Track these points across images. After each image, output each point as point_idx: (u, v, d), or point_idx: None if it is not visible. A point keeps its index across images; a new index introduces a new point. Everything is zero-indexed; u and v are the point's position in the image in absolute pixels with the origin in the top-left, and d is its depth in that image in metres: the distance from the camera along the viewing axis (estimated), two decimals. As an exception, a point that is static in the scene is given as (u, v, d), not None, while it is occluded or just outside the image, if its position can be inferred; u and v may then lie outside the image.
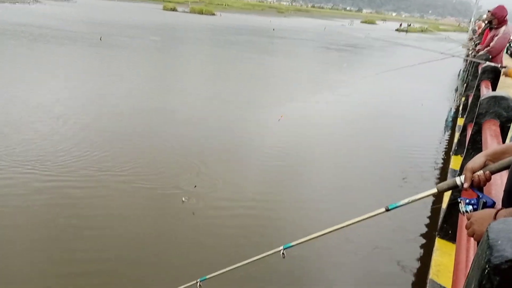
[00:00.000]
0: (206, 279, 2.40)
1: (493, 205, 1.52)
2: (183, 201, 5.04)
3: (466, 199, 1.58)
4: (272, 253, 2.11)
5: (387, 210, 1.78)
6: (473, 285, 1.11)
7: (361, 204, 5.36)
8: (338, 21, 76.06)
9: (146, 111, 9.04)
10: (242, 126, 8.64)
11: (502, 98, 2.99)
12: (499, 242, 1.05)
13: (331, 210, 5.31)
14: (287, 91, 12.37)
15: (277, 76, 15.60)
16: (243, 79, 14.26)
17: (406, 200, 1.78)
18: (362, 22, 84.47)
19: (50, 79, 11.54)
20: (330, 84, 14.25)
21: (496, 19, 6.70)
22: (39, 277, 3.68)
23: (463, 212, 1.56)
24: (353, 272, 4.13)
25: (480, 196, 1.55)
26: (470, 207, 1.54)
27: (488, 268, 1.02)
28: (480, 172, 1.57)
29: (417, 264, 4.25)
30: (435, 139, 8.93)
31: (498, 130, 2.87)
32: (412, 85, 15.61)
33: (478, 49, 8.09)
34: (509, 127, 3.12)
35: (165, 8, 59.45)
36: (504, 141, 2.87)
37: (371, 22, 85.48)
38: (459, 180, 1.61)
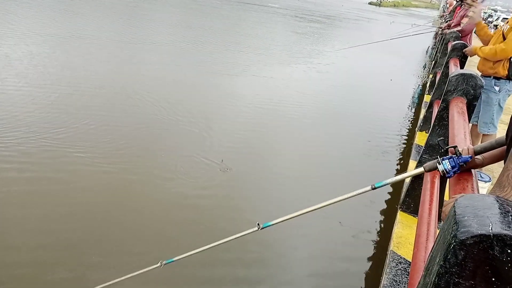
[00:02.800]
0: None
1: (470, 158, 1.63)
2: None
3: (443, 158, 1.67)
4: (249, 233, 2.13)
5: (373, 188, 1.91)
6: (437, 259, 1.11)
7: (324, 180, 5.42)
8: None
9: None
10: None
11: (471, 76, 3.03)
12: (465, 217, 1.05)
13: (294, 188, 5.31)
14: (255, 66, 12.13)
15: (245, 46, 15.32)
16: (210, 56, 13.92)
17: (390, 180, 1.94)
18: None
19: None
20: (302, 57, 14.13)
21: (468, -4, 6.71)
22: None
23: (442, 171, 1.66)
24: (312, 245, 4.15)
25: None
26: (447, 162, 1.62)
27: (454, 243, 1.02)
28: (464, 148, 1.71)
29: (378, 237, 4.37)
30: (401, 114, 9.10)
31: (465, 107, 2.92)
32: (383, 60, 15.75)
33: (449, 24, 8.17)
34: (475, 105, 3.18)
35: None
36: (469, 119, 2.93)
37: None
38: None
